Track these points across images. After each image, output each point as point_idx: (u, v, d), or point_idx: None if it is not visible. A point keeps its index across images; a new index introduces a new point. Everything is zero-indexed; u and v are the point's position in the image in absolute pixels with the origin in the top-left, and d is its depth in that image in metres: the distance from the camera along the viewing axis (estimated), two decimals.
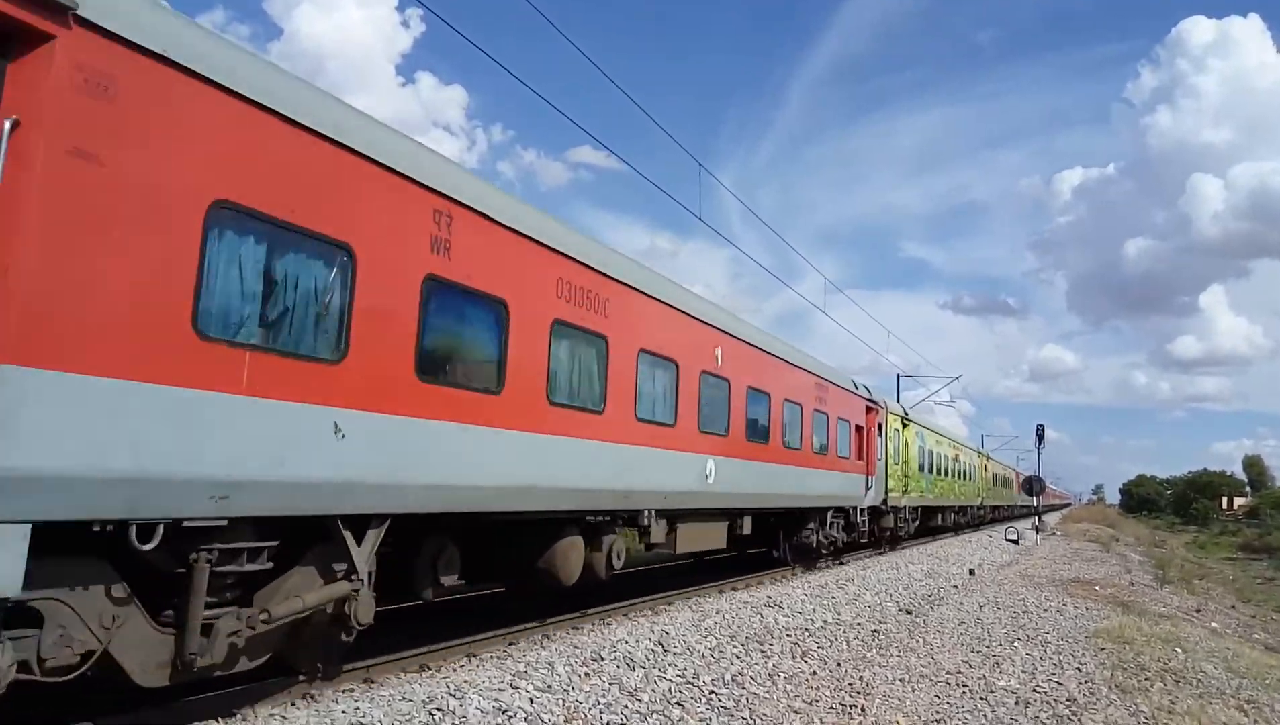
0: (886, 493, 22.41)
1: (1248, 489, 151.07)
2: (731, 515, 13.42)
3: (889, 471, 22.74)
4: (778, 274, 78.03)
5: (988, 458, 47.76)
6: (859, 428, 20.02)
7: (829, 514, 18.00)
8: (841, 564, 19.12)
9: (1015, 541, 31.75)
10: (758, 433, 13.77)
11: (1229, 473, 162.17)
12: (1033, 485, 39.95)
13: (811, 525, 17.21)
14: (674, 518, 11.25)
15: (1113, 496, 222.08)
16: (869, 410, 21.06)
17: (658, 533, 10.65)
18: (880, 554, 22.76)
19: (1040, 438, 38.80)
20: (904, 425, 25.01)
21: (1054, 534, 42.46)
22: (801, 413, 15.88)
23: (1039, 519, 41.46)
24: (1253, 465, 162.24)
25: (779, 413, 14.66)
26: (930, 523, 30.56)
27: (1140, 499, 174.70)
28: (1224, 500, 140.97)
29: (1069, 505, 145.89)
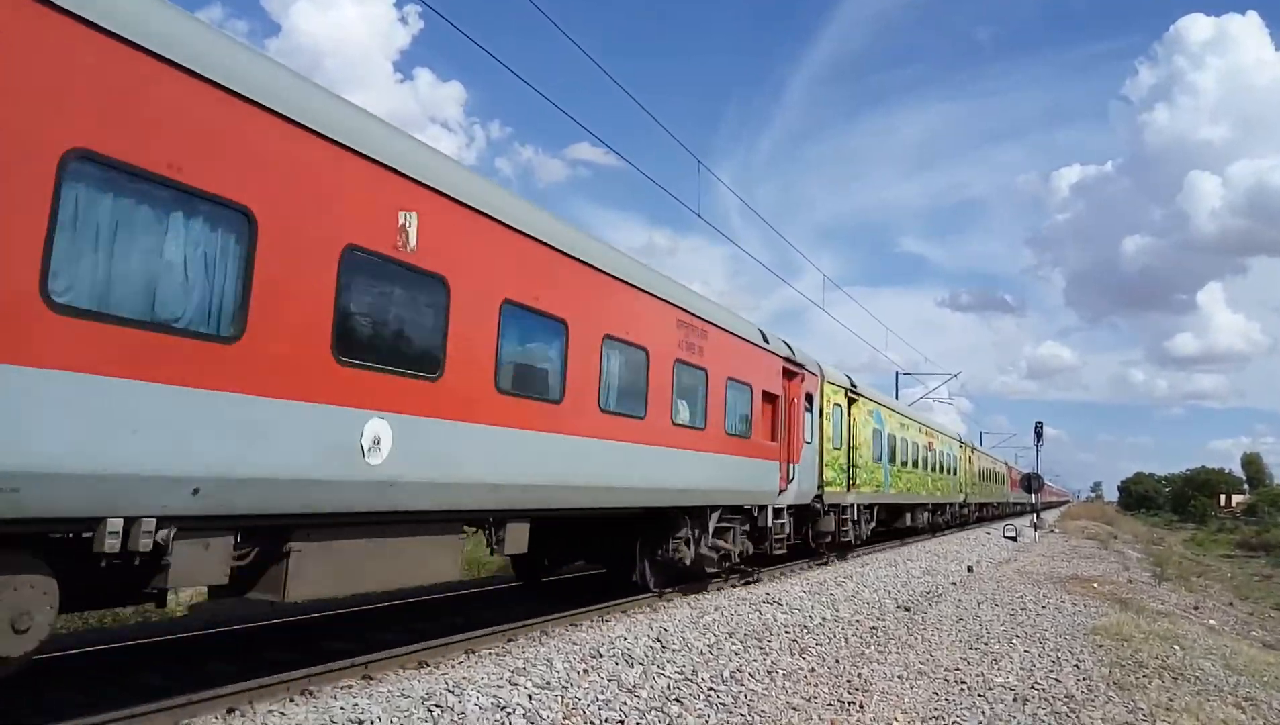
0: (821, 487, 17.15)
1: (1245, 486, 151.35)
2: (476, 520, 8.13)
3: (826, 459, 17.46)
4: (777, 271, 78.02)
5: (973, 448, 42.74)
6: (770, 397, 14.55)
7: (712, 516, 12.47)
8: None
9: (1014, 538, 31.80)
10: (534, 384, 8.39)
11: (1227, 470, 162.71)
12: (1031, 482, 40.03)
13: (682, 533, 11.76)
14: (277, 533, 5.99)
15: (1111, 494, 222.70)
16: (790, 375, 15.50)
17: (208, 566, 5.46)
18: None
19: (1039, 435, 38.85)
20: (851, 401, 19.77)
21: (1052, 531, 42.52)
22: (648, 360, 10.38)
23: (1037, 516, 41.50)
24: (1251, 463, 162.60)
25: (593, 355, 9.21)
26: (896, 524, 25.92)
27: (1138, 496, 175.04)
28: (1222, 498, 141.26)
29: (1067, 502, 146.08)
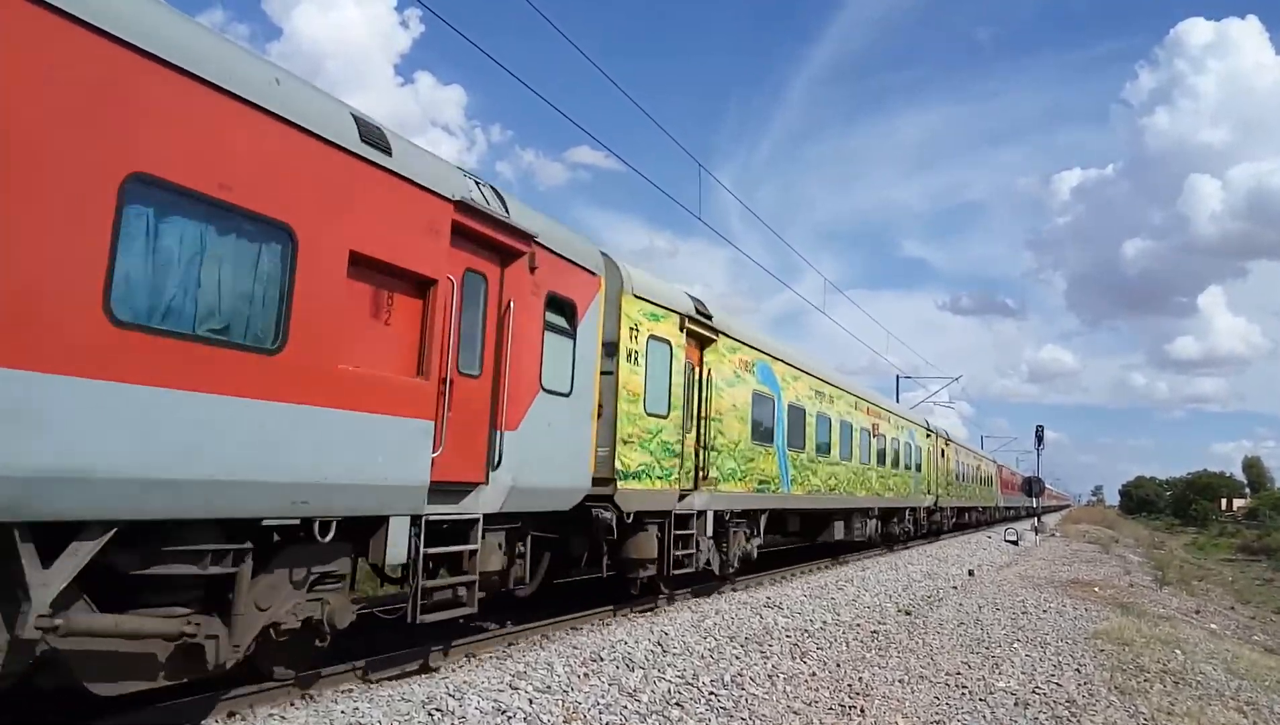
0: (614, 479, 9.55)
1: (1247, 490, 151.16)
2: None
3: (625, 433, 9.82)
4: (778, 274, 78.40)
5: (946, 440, 33.55)
6: (413, 280, 6.51)
7: (64, 559, 4.32)
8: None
9: (1015, 543, 31.80)
10: None
11: (1228, 474, 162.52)
12: (1032, 486, 40.09)
13: None
14: None
15: (1112, 497, 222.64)
16: (496, 251, 7.57)
17: None
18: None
19: (1040, 439, 38.91)
20: (702, 342, 11.88)
21: (1053, 535, 42.48)
22: None
23: (1038, 520, 41.53)
24: (1252, 466, 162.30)
25: None
26: (822, 537, 19.11)
27: (1139, 500, 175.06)
28: (1223, 501, 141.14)
29: (1068, 506, 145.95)
